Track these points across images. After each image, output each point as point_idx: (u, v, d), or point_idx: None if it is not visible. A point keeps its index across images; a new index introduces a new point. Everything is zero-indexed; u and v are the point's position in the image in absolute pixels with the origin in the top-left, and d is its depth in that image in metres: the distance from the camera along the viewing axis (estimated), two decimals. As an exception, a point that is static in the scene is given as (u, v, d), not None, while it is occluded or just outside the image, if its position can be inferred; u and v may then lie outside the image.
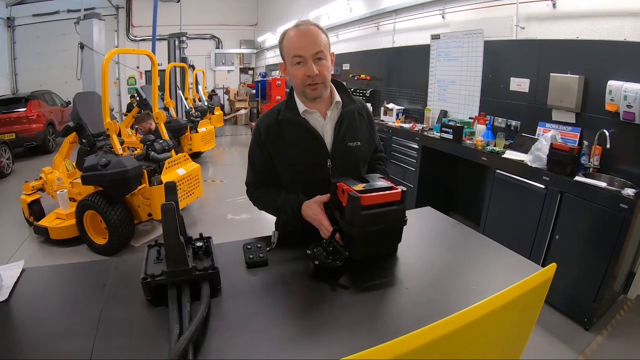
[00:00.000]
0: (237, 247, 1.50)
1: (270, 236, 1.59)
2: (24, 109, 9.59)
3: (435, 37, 5.30)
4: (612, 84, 3.12)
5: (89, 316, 1.15)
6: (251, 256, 1.41)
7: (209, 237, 1.41)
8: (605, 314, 3.12)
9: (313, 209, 1.57)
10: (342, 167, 1.69)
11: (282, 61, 1.68)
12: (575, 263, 3.09)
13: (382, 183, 1.46)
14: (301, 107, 1.69)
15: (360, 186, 1.41)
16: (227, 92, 16.17)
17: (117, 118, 5.72)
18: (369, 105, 6.15)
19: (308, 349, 1.05)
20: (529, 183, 3.43)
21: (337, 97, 1.72)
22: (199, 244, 1.34)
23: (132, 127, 6.79)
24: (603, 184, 2.94)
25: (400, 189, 1.41)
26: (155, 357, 0.99)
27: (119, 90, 14.30)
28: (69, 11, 12.23)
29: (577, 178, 3.07)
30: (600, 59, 3.31)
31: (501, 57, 4.39)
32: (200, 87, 10.63)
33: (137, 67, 13.53)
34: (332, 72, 1.68)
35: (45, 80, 12.68)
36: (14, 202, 5.71)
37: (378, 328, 1.11)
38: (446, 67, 5.19)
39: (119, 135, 5.16)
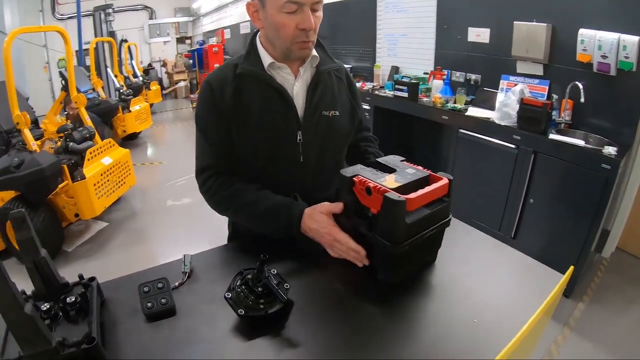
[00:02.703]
0: (134, 286, 1.06)
1: (182, 261, 1.16)
2: None
3: (381, -13, 4.90)
4: (584, 32, 2.90)
5: None
6: (150, 304, 0.99)
7: (92, 280, 1.02)
8: (583, 277, 3.01)
9: (320, 221, 1.16)
10: (317, 144, 1.32)
11: (253, 1, 1.23)
12: (552, 229, 2.94)
13: (413, 170, 1.10)
14: (267, 59, 1.29)
15: (391, 180, 1.03)
16: (164, 64, 14.93)
17: (33, 108, 5.00)
18: None
19: None
20: (498, 143, 3.20)
21: (314, 52, 1.32)
22: (71, 298, 0.93)
23: (62, 113, 6.03)
24: (581, 142, 2.76)
25: (445, 177, 1.05)
26: None
27: (49, 75, 12.71)
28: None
29: (551, 136, 2.87)
30: (570, 5, 3.06)
31: (457, 6, 4.08)
32: (133, 62, 9.71)
33: None
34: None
35: None
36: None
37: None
38: (395, 19, 4.83)
39: (37, 127, 4.50)
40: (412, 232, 0.98)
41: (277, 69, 1.30)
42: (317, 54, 1.33)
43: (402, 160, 1.17)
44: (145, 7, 14.52)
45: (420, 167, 1.12)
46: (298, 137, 1.30)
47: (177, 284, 1.09)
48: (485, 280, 1.10)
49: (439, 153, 4.47)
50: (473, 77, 3.98)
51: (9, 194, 3.79)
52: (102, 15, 8.87)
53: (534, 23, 3.24)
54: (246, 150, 1.30)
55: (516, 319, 0.86)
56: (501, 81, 3.66)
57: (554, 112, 3.18)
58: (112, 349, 0.88)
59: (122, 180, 4.50)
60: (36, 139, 4.07)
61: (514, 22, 3.39)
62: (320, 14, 1.21)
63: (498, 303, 1.01)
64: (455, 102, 3.83)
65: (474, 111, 3.53)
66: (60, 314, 0.91)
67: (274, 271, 1.01)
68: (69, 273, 2.79)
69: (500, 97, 3.45)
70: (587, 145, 2.75)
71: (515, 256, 1.23)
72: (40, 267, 0.92)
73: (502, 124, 3.17)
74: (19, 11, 8.61)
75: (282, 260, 1.17)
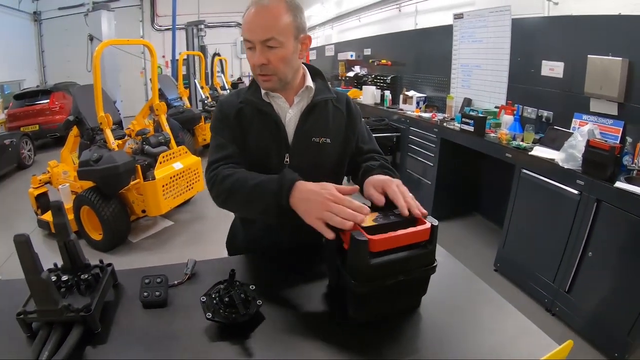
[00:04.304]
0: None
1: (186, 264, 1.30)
2: (47, 101, 9.74)
3: (458, 16, 4.84)
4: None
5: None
6: (146, 293, 1.15)
7: (108, 265, 1.21)
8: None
9: (323, 185, 1.11)
10: (304, 167, 1.35)
11: None
12: (609, 287, 2.68)
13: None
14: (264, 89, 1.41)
15: (370, 218, 1.02)
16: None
17: (119, 110, 5.50)
18: (387, 92, 5.83)
19: None
20: (560, 187, 2.99)
21: (309, 82, 1.44)
22: (85, 276, 1.10)
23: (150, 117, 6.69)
24: (650, 194, 2.51)
25: (428, 222, 1.02)
26: None
27: (145, 80, 14.18)
28: (94, 3, 12.18)
29: (617, 184, 2.62)
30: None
31: (531, 37, 3.93)
32: (222, 76, 10.36)
33: (163, 56, 13.35)
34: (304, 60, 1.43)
35: (72, 71, 12.67)
36: (29, 194, 5.62)
37: None
38: (470, 49, 4.73)
39: (121, 128, 5.06)
40: (379, 274, 0.96)
41: (273, 97, 1.41)
42: (312, 85, 1.44)
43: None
44: (239, 24, 15.27)
45: (415, 207, 1.08)
46: (285, 159, 1.40)
47: (176, 282, 1.23)
48: (468, 336, 1.04)
49: (501, 192, 4.23)
50: (545, 113, 3.78)
51: (88, 184, 4.30)
52: (194, 30, 9.52)
53: (609, 57, 3.03)
54: (244, 164, 1.40)
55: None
56: (573, 120, 3.44)
57: (626, 156, 2.93)
58: (106, 323, 1.05)
59: (190, 185, 4.83)
60: (117, 139, 4.55)
61: (588, 56, 3.19)
62: (278, 50, 1.28)
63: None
64: (522, 140, 3.65)
65: (539, 151, 3.33)
66: (74, 286, 1.08)
67: (252, 287, 1.08)
68: (130, 261, 3.39)
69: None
70: (657, 198, 2.49)
71: (516, 318, 1.13)
72: (69, 247, 1.14)
73: (566, 166, 2.96)
74: (120, 21, 9.51)
75: (269, 278, 1.30)
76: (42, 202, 5.03)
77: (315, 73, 1.50)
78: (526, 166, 3.32)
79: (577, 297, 2.89)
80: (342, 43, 9.06)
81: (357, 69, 8.02)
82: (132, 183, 4.32)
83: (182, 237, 4.62)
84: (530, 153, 3.34)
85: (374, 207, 1.12)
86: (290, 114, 1.42)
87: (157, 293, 1.15)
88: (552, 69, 3.67)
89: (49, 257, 1.08)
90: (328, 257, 1.14)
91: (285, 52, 1.29)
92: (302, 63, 1.43)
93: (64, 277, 1.09)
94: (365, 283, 0.96)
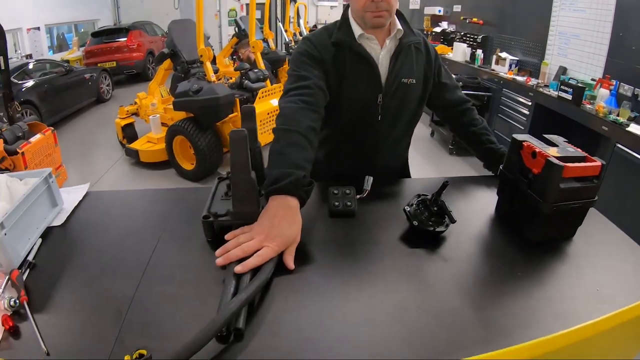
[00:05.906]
0: (323, 190, 1.31)
1: (363, 181, 1.34)
2: (125, 39, 10.21)
3: (560, -18, 4.71)
4: None
5: (140, 253, 1.06)
6: (336, 203, 1.22)
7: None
8: None
9: (296, 220, 1.03)
10: (394, 106, 1.51)
11: None
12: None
13: (572, 150, 1.23)
14: (357, 30, 1.47)
15: (553, 151, 1.19)
16: (328, 27, 15.90)
17: (212, 46, 5.72)
18: (479, 51, 5.77)
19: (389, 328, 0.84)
20: (652, 166, 3.02)
21: (399, 26, 1.49)
22: None
23: (231, 57, 6.86)
24: None
25: (599, 161, 1.18)
26: (199, 314, 0.83)
27: (219, 22, 14.36)
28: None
29: None
30: None
31: (635, 14, 3.83)
32: (301, 21, 10.47)
33: (239, 0, 13.32)
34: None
35: (146, 12, 13.14)
36: (111, 125, 5.97)
37: (482, 325, 0.86)
38: (570, 17, 4.63)
39: (214, 63, 5.18)
40: (562, 198, 1.13)
41: (366, 39, 1.47)
42: (401, 28, 1.49)
43: (564, 141, 1.31)
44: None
45: (579, 149, 1.24)
46: (378, 99, 1.49)
47: (359, 196, 1.28)
48: (603, 266, 1.15)
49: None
50: (641, 92, 3.74)
51: (179, 115, 4.46)
52: (278, -26, 9.58)
53: None
54: (335, 104, 1.46)
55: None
56: (671, 103, 3.41)
57: None
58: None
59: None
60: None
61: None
62: None
63: (621, 281, 1.09)
64: (618, 115, 3.66)
65: (635, 128, 3.35)
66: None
67: (443, 201, 1.16)
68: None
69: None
70: None
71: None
72: (255, 154, 1.13)
73: (661, 146, 3.00)
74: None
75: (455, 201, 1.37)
76: (128, 132, 5.36)
77: (400, 16, 1.53)
78: (621, 141, 3.36)
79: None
80: (429, -3, 8.82)
81: (444, 24, 7.88)
82: (229, 116, 4.44)
83: (269, 172, 4.83)
84: (627, 129, 3.36)
85: None
86: (382, 56, 1.49)
87: (349, 203, 1.22)
88: (654, 49, 3.59)
89: (137, 183, 1.11)
90: (505, 186, 1.31)
91: None
92: None
93: None
94: (552, 204, 1.13)
